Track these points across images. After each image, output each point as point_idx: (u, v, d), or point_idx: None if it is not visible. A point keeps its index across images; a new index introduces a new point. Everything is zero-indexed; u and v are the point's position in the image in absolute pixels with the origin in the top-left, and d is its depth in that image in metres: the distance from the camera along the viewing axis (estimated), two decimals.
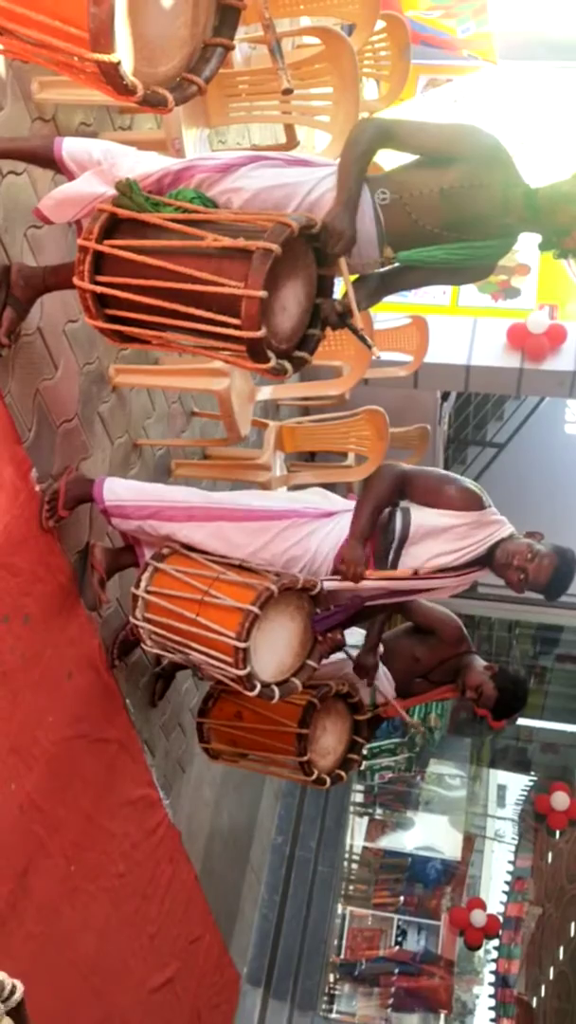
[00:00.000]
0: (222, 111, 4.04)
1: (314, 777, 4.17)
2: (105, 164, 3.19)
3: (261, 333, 2.84)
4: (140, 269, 2.99)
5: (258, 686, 3.52)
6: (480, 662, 4.35)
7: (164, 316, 3.02)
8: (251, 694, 3.52)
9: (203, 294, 2.90)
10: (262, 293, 2.79)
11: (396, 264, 3.31)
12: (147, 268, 2.97)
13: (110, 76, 2.42)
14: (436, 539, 3.64)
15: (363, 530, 3.65)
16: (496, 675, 4.29)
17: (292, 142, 4.65)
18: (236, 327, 2.86)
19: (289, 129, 4.60)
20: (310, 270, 3.06)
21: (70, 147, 3.25)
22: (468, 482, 3.73)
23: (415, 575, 3.62)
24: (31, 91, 3.50)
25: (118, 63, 2.38)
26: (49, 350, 3.74)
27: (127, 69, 2.42)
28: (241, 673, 3.46)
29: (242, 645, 3.44)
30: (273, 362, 2.92)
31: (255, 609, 3.45)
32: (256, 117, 4.34)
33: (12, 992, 1.81)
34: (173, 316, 2.99)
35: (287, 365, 3.00)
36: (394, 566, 3.67)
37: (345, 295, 3.22)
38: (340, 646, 3.91)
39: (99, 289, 3.06)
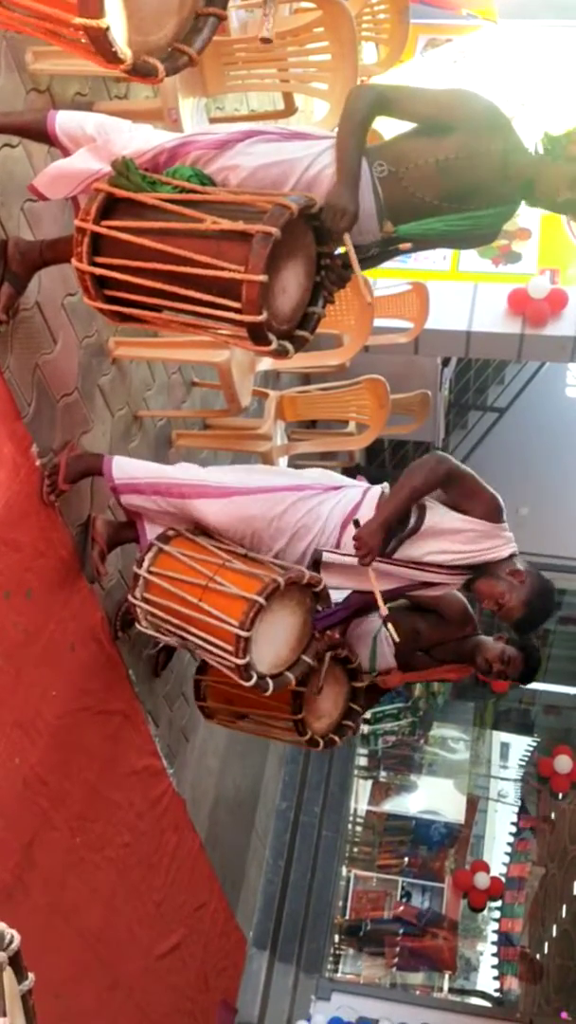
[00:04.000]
0: (219, 79, 3.99)
1: (307, 737, 4.18)
2: (99, 140, 3.15)
3: (262, 317, 2.82)
4: (139, 251, 2.96)
5: (254, 676, 3.52)
6: (488, 638, 4.35)
7: (164, 298, 3.00)
8: (246, 684, 3.51)
9: (203, 277, 2.89)
10: (263, 278, 2.77)
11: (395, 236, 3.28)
12: (146, 250, 2.95)
13: (99, 43, 2.38)
14: (441, 539, 3.65)
15: (395, 513, 3.58)
16: (510, 640, 4.30)
17: (291, 108, 4.61)
18: (237, 311, 2.84)
19: (287, 96, 4.56)
20: (309, 249, 3.03)
21: (63, 122, 3.21)
22: (496, 495, 3.71)
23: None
24: (25, 62, 3.46)
25: (107, 28, 2.34)
26: (48, 324, 3.72)
27: (116, 36, 2.38)
28: (240, 662, 3.46)
29: (245, 634, 3.43)
30: (275, 344, 2.91)
31: (261, 600, 3.44)
32: (253, 85, 4.29)
33: (10, 942, 1.83)
34: (173, 298, 2.97)
35: (288, 346, 2.99)
36: (392, 551, 3.66)
37: (347, 262, 3.18)
38: (336, 645, 3.93)
39: (98, 271, 3.04)
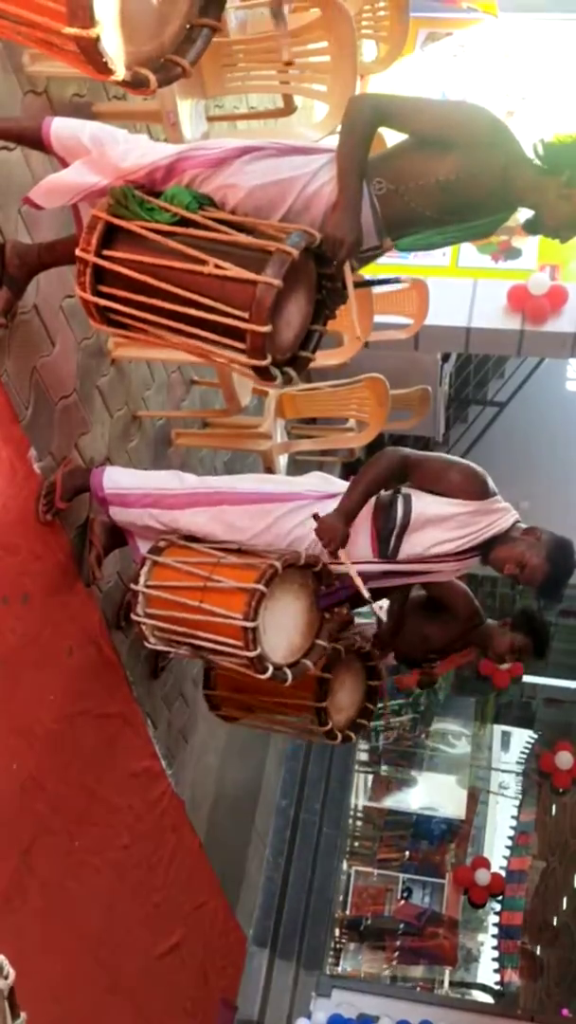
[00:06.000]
0: (218, 81, 3.96)
1: (327, 728, 4.11)
2: (94, 152, 3.12)
3: (267, 362, 2.86)
4: (142, 286, 2.99)
5: (270, 668, 3.47)
6: (494, 624, 4.32)
7: (168, 332, 3.04)
8: (263, 677, 3.46)
9: (206, 319, 2.91)
10: (267, 329, 2.80)
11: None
12: (149, 286, 2.98)
13: (89, 53, 2.36)
14: (437, 527, 3.60)
15: (350, 509, 3.55)
16: (514, 625, 4.28)
17: (290, 107, 4.57)
18: (241, 351, 2.87)
19: (287, 95, 4.53)
20: (310, 275, 3.04)
21: (58, 131, 3.17)
22: (472, 467, 3.66)
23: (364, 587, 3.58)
24: (22, 63, 3.43)
25: (96, 39, 2.32)
26: (46, 327, 3.70)
27: (107, 46, 2.36)
28: (252, 655, 3.41)
29: (250, 625, 3.39)
30: (280, 379, 2.94)
31: (261, 587, 3.41)
32: (252, 87, 4.26)
33: (7, 975, 1.82)
34: (177, 333, 3.01)
35: (292, 373, 3.03)
36: (395, 553, 3.61)
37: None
38: (349, 622, 3.88)
39: (102, 302, 3.07)
